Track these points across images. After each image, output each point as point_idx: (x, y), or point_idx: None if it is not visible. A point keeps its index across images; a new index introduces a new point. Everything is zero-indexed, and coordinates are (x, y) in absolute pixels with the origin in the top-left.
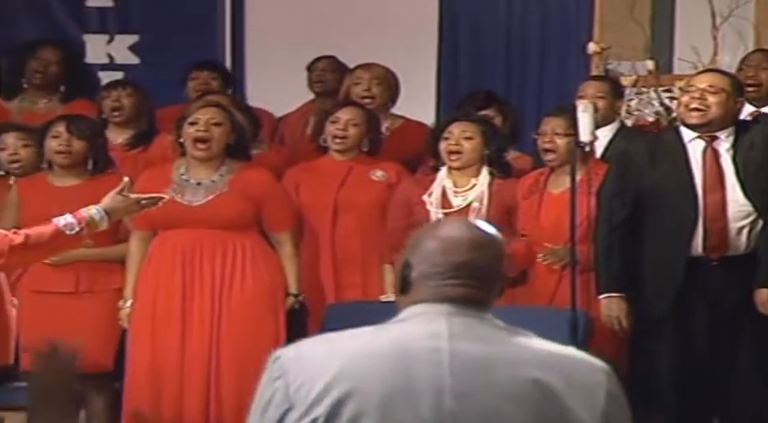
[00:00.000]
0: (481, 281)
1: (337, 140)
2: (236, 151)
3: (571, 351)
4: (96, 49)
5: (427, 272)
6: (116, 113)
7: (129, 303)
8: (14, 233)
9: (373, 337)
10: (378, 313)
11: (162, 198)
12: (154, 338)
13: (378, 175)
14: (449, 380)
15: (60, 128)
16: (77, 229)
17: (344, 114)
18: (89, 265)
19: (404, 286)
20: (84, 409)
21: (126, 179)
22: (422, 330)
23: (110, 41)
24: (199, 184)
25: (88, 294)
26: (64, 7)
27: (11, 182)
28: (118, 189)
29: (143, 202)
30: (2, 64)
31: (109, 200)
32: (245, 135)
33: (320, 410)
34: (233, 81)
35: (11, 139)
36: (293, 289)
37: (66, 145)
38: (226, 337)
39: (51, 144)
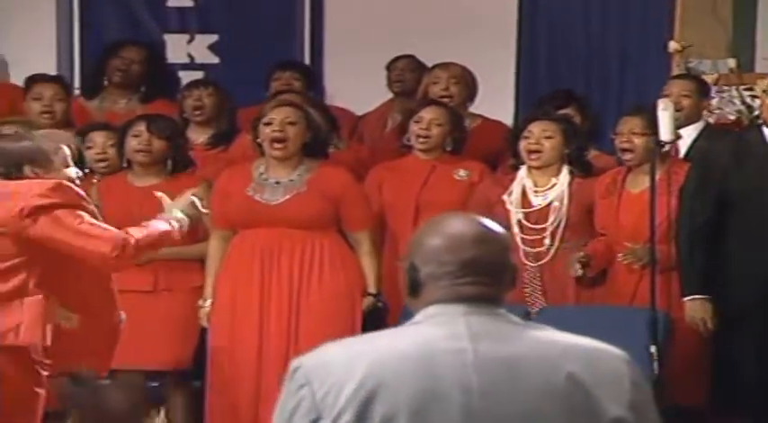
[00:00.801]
0: (491, 276)
1: (420, 140)
2: (314, 150)
3: (592, 342)
4: (177, 48)
5: (436, 272)
6: (197, 113)
7: (208, 302)
8: (127, 231)
9: (396, 339)
10: None
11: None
12: (233, 337)
13: (461, 174)
14: (475, 380)
15: (141, 127)
16: (178, 228)
17: (428, 114)
18: (167, 263)
19: (413, 288)
20: (164, 407)
21: (192, 197)
22: (442, 332)
23: (190, 41)
24: (277, 183)
25: (166, 293)
26: (145, 7)
27: (94, 180)
28: (185, 196)
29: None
30: (84, 64)
31: (180, 202)
32: (322, 133)
33: (349, 416)
34: (316, 80)
35: (99, 137)
36: (372, 289)
37: (146, 144)
38: (303, 337)
39: (132, 143)
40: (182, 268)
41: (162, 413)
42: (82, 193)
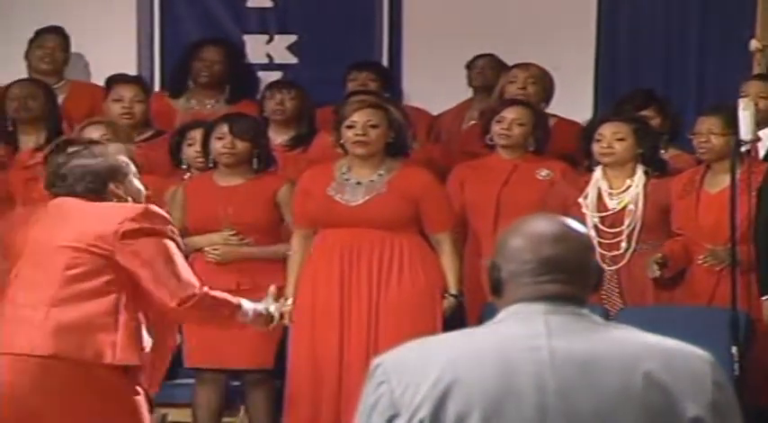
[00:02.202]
0: (572, 274)
1: (503, 139)
2: (396, 149)
3: (674, 342)
4: (256, 49)
5: (516, 270)
6: (278, 115)
7: (289, 302)
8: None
9: (473, 338)
10: None
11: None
12: (313, 337)
13: (543, 173)
14: (551, 378)
15: (224, 129)
16: (248, 319)
17: (510, 113)
18: (250, 263)
19: (496, 288)
20: (245, 405)
21: (272, 288)
22: (520, 330)
23: (269, 41)
24: (358, 183)
25: (249, 292)
26: (225, 8)
27: (185, 177)
28: (269, 298)
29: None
30: (164, 63)
31: (270, 302)
32: (404, 133)
33: (425, 412)
34: (392, 80)
35: (200, 135)
36: (453, 289)
37: (230, 146)
38: (383, 336)
39: (216, 145)
40: (264, 268)
41: (243, 412)
42: (167, 216)
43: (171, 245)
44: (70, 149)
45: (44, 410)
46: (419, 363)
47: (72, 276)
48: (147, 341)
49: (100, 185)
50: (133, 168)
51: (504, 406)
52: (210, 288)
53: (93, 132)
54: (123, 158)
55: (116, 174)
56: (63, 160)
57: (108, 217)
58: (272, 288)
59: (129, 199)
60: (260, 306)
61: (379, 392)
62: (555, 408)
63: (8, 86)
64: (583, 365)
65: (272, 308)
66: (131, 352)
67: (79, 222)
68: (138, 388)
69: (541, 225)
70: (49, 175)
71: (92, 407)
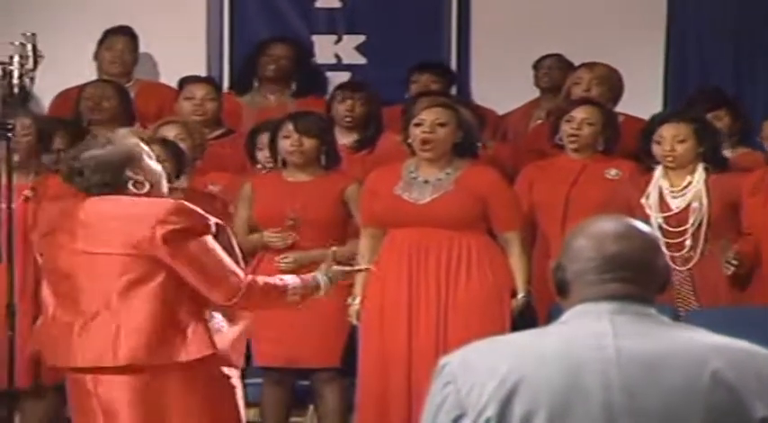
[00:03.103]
0: (636, 273)
1: (571, 139)
2: (464, 149)
3: (742, 343)
4: (324, 49)
5: (580, 269)
6: (348, 119)
7: (357, 300)
8: (246, 276)
9: (539, 338)
10: None
11: (369, 270)
12: (382, 336)
13: (612, 173)
14: (617, 377)
15: (289, 127)
16: (298, 297)
17: (579, 113)
18: (318, 263)
19: (562, 289)
20: (314, 404)
21: (333, 249)
22: (586, 330)
23: (337, 42)
24: (426, 182)
25: None
26: (293, 9)
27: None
28: (329, 260)
29: (353, 272)
30: (234, 64)
31: (324, 269)
32: (473, 133)
33: (491, 412)
34: (455, 81)
35: (268, 137)
36: (521, 290)
37: (297, 144)
38: (452, 337)
39: (283, 144)
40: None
41: (311, 411)
42: (200, 211)
43: (208, 240)
44: (79, 143)
45: (163, 416)
46: (486, 362)
47: (126, 283)
48: (218, 322)
49: (117, 174)
50: (146, 149)
51: (570, 404)
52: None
53: (169, 131)
54: (134, 141)
55: (130, 159)
56: (74, 154)
57: (141, 219)
58: (333, 249)
59: (148, 182)
60: (307, 277)
61: (446, 392)
62: (621, 406)
63: (83, 87)
64: (649, 364)
65: (320, 276)
66: (204, 342)
67: (116, 227)
68: (229, 373)
69: (605, 224)
70: (65, 170)
71: (201, 403)
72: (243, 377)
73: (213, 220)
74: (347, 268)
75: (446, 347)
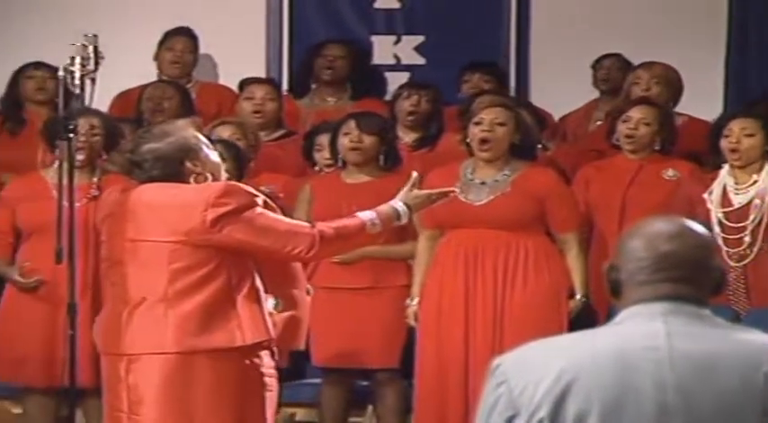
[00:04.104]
0: (689, 272)
1: (628, 139)
2: (522, 151)
3: None
4: (383, 50)
5: (632, 269)
6: (411, 117)
7: (415, 301)
8: (315, 225)
9: (592, 338)
10: None
11: (453, 191)
12: (440, 337)
13: (669, 174)
14: (670, 377)
15: (351, 125)
16: (379, 226)
17: (636, 113)
18: (376, 262)
19: (615, 290)
20: (373, 405)
21: (415, 174)
22: (639, 330)
23: (396, 42)
24: (483, 183)
25: (374, 291)
26: (353, 9)
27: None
28: (409, 185)
29: (434, 196)
30: (293, 66)
31: (403, 196)
32: (532, 135)
33: (544, 412)
34: (507, 81)
35: (328, 138)
36: (579, 291)
37: (357, 141)
38: (508, 338)
39: (343, 141)
40: (390, 267)
41: (370, 411)
42: (249, 188)
43: (261, 210)
44: (136, 135)
45: (189, 406)
46: (538, 362)
47: (177, 270)
48: (270, 307)
49: (177, 167)
50: (204, 140)
51: (623, 405)
52: (334, 280)
53: (224, 132)
54: (192, 133)
55: (189, 151)
56: (132, 146)
57: (190, 206)
58: (415, 175)
59: (209, 174)
60: (383, 207)
61: (499, 392)
62: (675, 406)
63: (144, 87)
64: (702, 365)
65: (398, 204)
66: (259, 328)
67: (166, 215)
68: (264, 370)
69: (659, 224)
70: (123, 163)
71: (230, 394)
72: (301, 376)
73: (262, 197)
74: (428, 192)
75: (502, 348)
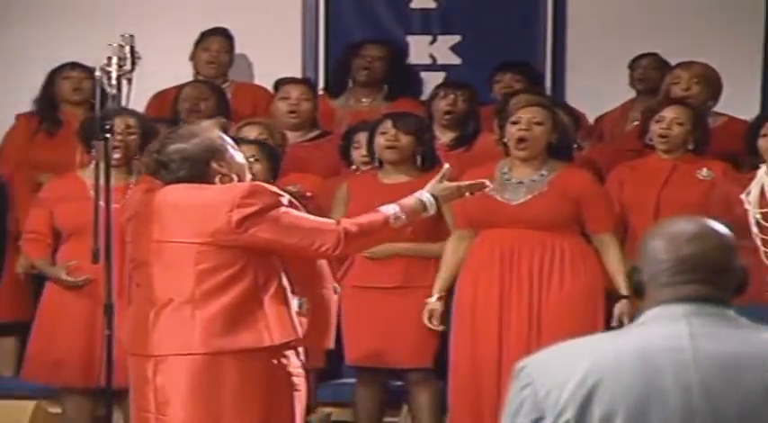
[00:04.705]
0: (710, 274)
1: (661, 139)
2: (559, 151)
3: None
4: (419, 49)
5: (655, 270)
6: (448, 116)
7: (434, 299)
8: (339, 222)
9: (616, 340)
10: None
11: (484, 184)
12: (474, 338)
13: (703, 173)
14: (695, 378)
15: (388, 124)
16: (403, 219)
17: (669, 113)
18: (409, 261)
19: (638, 291)
20: (407, 404)
21: (447, 166)
22: (663, 332)
23: (432, 42)
24: (520, 183)
25: (406, 290)
26: (389, 9)
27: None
28: (439, 176)
29: (464, 188)
30: (329, 66)
31: (431, 187)
32: (569, 135)
33: (570, 414)
34: (539, 80)
35: (364, 137)
36: (624, 290)
37: (393, 140)
38: (544, 337)
39: (380, 140)
40: (423, 267)
41: (405, 411)
42: (274, 188)
43: (286, 209)
44: (162, 135)
45: (217, 406)
46: (563, 365)
47: (204, 271)
48: (294, 307)
49: (202, 167)
50: (230, 141)
51: (649, 406)
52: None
53: (250, 132)
54: (218, 134)
55: (215, 152)
56: (159, 147)
57: (216, 206)
58: (446, 166)
59: (234, 175)
60: (408, 200)
61: (524, 395)
62: (700, 407)
63: (180, 87)
64: (727, 366)
65: (425, 196)
66: (287, 328)
67: (191, 216)
68: (291, 370)
69: (680, 225)
70: (150, 163)
71: (257, 394)
72: (338, 376)
73: (287, 197)
74: (458, 184)
75: (538, 348)
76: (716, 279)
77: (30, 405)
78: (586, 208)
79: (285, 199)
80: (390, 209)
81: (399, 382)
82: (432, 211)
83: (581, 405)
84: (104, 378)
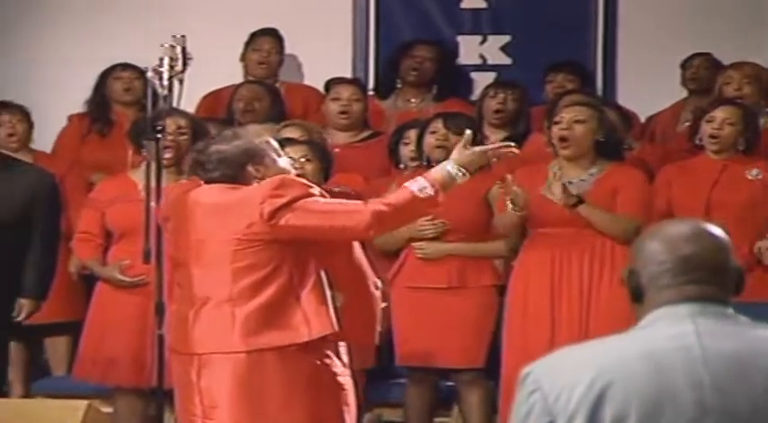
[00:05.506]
0: (710, 274)
1: (712, 140)
2: (607, 149)
3: None
4: (469, 50)
5: (655, 272)
6: (498, 115)
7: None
8: (368, 202)
9: (621, 343)
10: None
11: (509, 147)
12: (525, 337)
13: (753, 173)
14: (706, 376)
15: (438, 124)
16: (430, 190)
17: (720, 113)
18: (461, 261)
19: (637, 294)
20: (458, 405)
21: (468, 132)
22: (669, 332)
23: (482, 42)
24: (570, 182)
25: (459, 291)
26: (439, 9)
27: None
28: (462, 143)
29: (489, 152)
30: (378, 66)
31: (455, 155)
32: (617, 133)
33: (582, 417)
34: (591, 79)
35: (414, 135)
36: (572, 200)
37: (443, 140)
38: (594, 337)
39: (429, 140)
40: (475, 267)
41: (456, 412)
42: (304, 181)
43: (315, 198)
44: (211, 135)
45: (263, 406)
46: (572, 369)
47: (240, 269)
48: (338, 301)
49: (237, 170)
50: (275, 147)
51: (662, 406)
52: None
53: (290, 134)
54: (262, 139)
55: (253, 156)
56: (201, 147)
57: (248, 202)
58: (468, 132)
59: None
60: (433, 173)
61: (533, 400)
62: (713, 404)
63: (236, 88)
64: (735, 363)
65: (449, 166)
66: (324, 322)
67: (226, 214)
68: (336, 370)
69: (676, 227)
70: (191, 162)
71: (302, 393)
72: (387, 377)
73: (318, 189)
74: (482, 147)
75: None
76: (716, 279)
77: (82, 404)
78: (620, 192)
79: (315, 190)
80: (415, 182)
81: (450, 383)
82: (460, 179)
83: (591, 409)
84: (156, 378)
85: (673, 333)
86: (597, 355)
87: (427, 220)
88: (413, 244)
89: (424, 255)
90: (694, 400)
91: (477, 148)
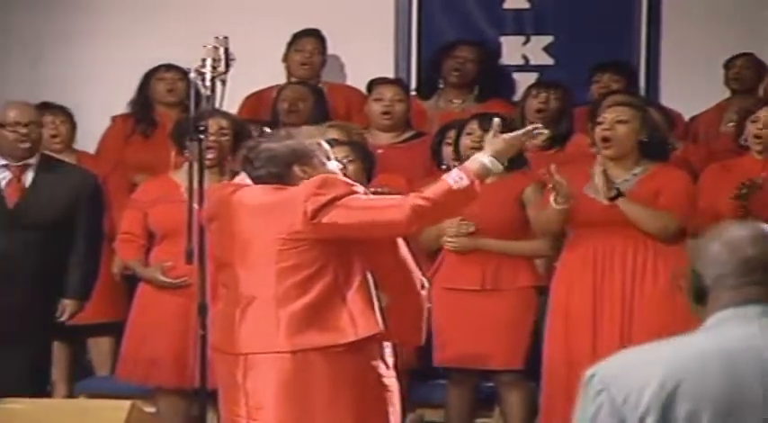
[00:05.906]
0: None
1: (757, 140)
2: (651, 150)
3: None
4: (512, 50)
5: (718, 274)
6: (540, 115)
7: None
8: (406, 197)
9: (688, 343)
10: None
11: (538, 128)
12: (567, 339)
13: None
14: None
15: (474, 125)
16: (465, 181)
17: (765, 114)
18: (496, 261)
19: (699, 296)
20: (499, 406)
21: (496, 120)
22: (736, 332)
23: (525, 43)
24: (613, 183)
25: (495, 292)
26: (482, 10)
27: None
28: (492, 133)
29: (521, 137)
30: (421, 67)
31: (487, 146)
32: (660, 134)
33: (653, 417)
34: (636, 79)
35: (454, 134)
36: (612, 193)
37: (479, 141)
38: (636, 339)
39: (465, 141)
40: (513, 267)
41: (498, 413)
42: (347, 180)
43: (358, 195)
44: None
45: (308, 407)
46: (639, 368)
47: (285, 269)
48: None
49: (283, 169)
50: (325, 149)
51: (733, 404)
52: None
53: (330, 135)
54: (313, 141)
55: (301, 156)
56: (252, 144)
57: (292, 201)
58: (496, 120)
59: None
60: (468, 164)
61: (599, 401)
62: None
63: (280, 89)
64: None
65: (483, 157)
66: (370, 322)
67: (270, 214)
68: (386, 368)
69: (738, 229)
70: (241, 158)
71: (347, 393)
72: (429, 377)
73: (360, 187)
74: (513, 134)
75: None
76: None
77: (125, 404)
78: (663, 193)
79: (359, 188)
80: (450, 176)
81: (491, 384)
82: (495, 169)
83: (664, 408)
84: (198, 378)
85: (742, 334)
86: (664, 355)
87: (459, 221)
88: (445, 237)
89: (454, 248)
90: (766, 400)
91: (507, 136)
